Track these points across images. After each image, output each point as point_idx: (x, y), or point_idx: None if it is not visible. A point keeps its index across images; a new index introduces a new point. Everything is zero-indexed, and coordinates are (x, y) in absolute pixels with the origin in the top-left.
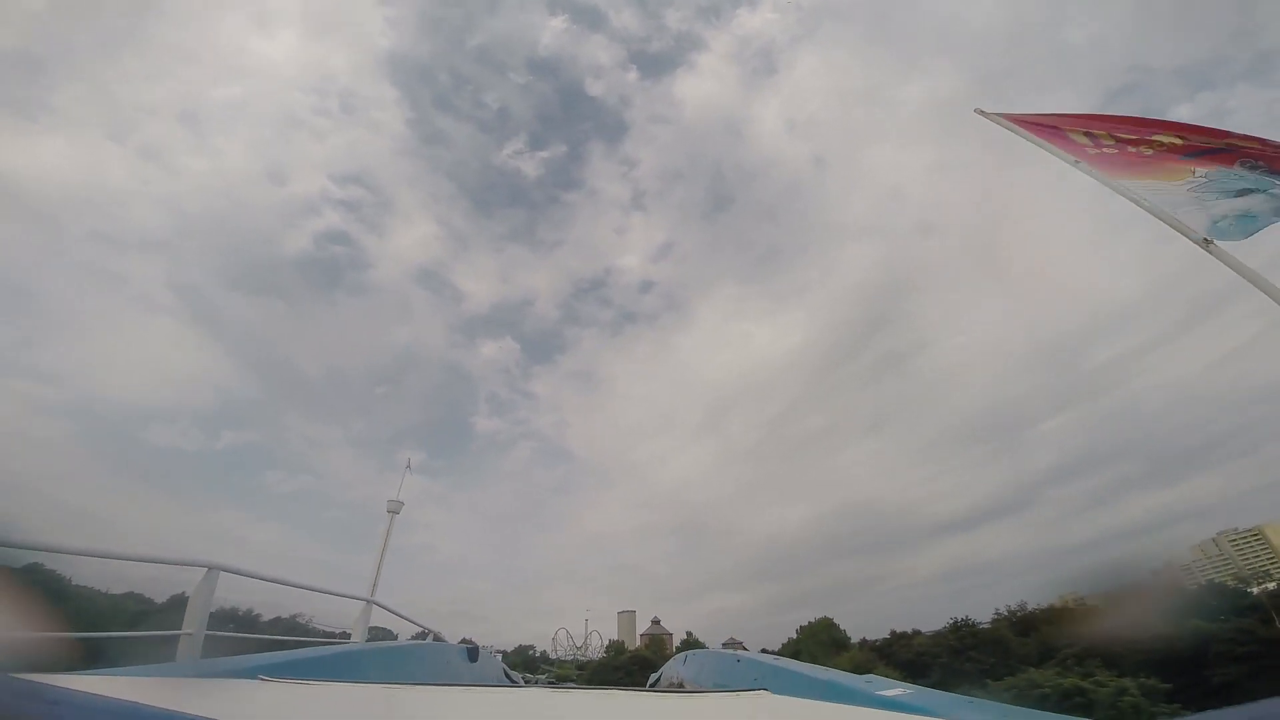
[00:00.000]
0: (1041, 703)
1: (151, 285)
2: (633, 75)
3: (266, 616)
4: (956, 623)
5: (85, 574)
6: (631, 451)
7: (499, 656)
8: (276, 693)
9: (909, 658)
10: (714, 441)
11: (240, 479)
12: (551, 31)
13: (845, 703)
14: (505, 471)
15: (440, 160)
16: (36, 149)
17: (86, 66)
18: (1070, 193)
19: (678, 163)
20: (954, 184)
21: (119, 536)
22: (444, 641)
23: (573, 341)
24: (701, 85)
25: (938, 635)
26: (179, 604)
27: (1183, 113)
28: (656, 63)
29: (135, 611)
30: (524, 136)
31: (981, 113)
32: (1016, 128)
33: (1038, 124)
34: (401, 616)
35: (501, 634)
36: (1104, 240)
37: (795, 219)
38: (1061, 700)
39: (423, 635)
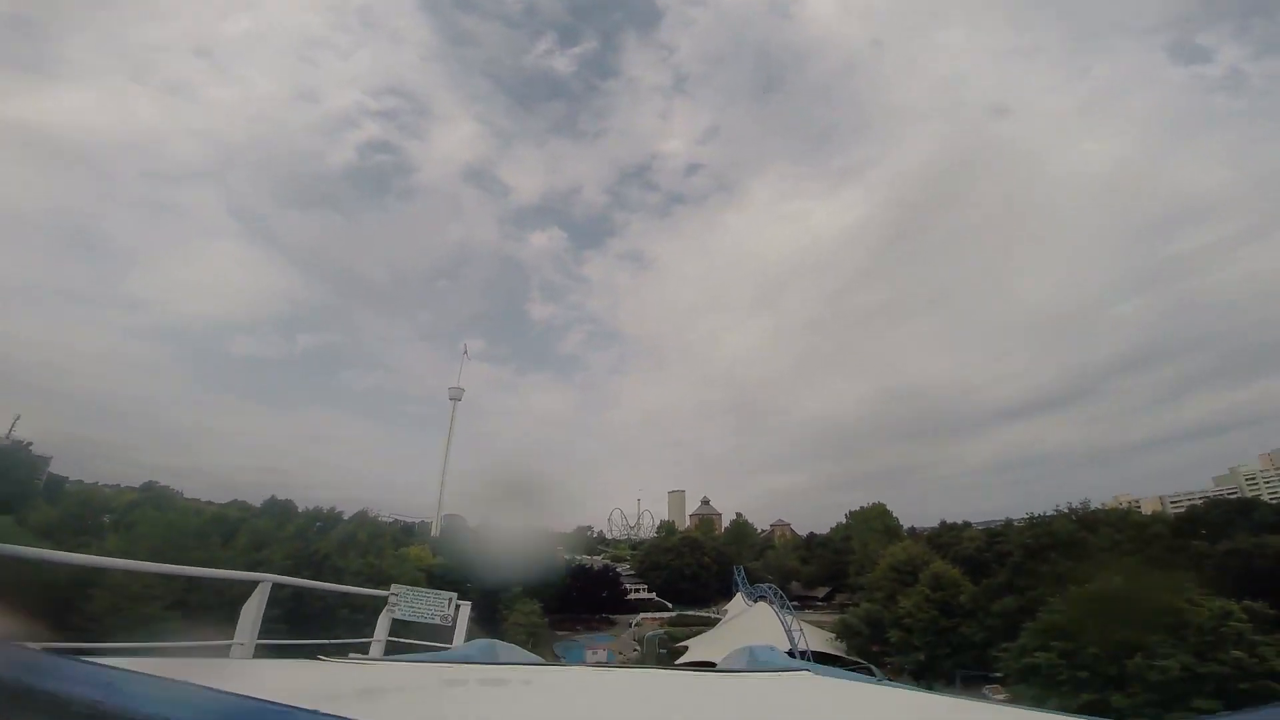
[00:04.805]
0: (1127, 619)
1: (209, 212)
2: None
3: (348, 513)
4: (1033, 518)
5: (192, 488)
6: (685, 330)
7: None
8: (331, 671)
9: (968, 553)
10: (769, 318)
11: (320, 380)
12: None
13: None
14: (562, 355)
15: (472, 60)
16: (64, 101)
17: (84, 16)
18: (1156, 84)
19: (720, 46)
20: (1028, 68)
21: (226, 448)
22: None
23: (621, 225)
24: None
25: (995, 530)
26: (273, 506)
27: None
28: None
29: (236, 518)
30: (555, 29)
31: None
32: None
33: None
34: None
35: (561, 515)
36: (1194, 132)
37: (851, 100)
38: (1150, 618)
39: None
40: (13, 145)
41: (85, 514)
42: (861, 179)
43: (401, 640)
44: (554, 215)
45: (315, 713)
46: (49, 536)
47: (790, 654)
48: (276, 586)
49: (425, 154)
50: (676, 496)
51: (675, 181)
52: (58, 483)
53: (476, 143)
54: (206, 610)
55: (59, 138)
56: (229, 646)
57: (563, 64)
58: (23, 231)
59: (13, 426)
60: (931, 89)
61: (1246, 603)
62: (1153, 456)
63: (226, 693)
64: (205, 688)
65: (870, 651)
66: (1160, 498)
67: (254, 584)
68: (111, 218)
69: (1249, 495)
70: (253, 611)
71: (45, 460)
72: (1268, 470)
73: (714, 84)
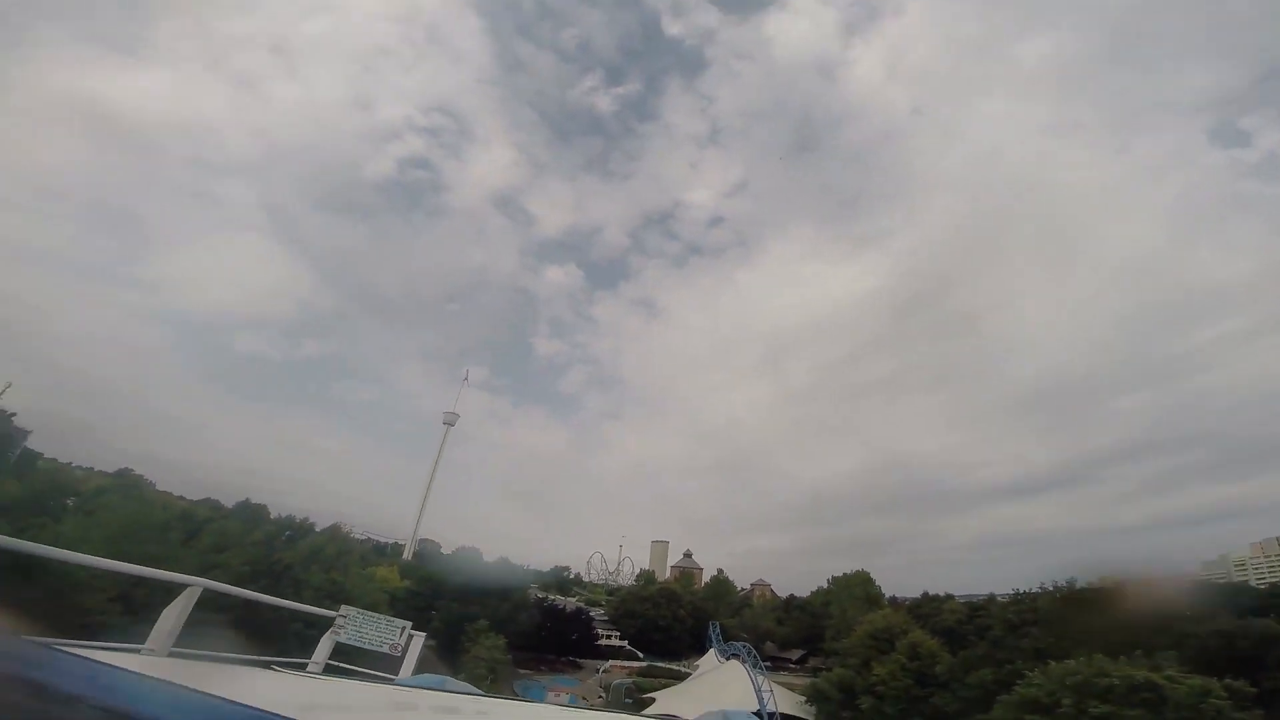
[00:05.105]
0: (1105, 694)
1: (243, 206)
2: (716, 12)
3: (321, 525)
4: (1018, 594)
5: (167, 481)
6: (684, 383)
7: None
8: (284, 682)
9: (949, 625)
10: (770, 381)
11: (316, 388)
12: None
13: None
14: (561, 393)
15: (523, 89)
16: (137, 81)
17: (182, 2)
18: (1188, 167)
19: (760, 101)
20: (1063, 146)
21: (210, 444)
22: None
23: (636, 270)
24: (794, 25)
25: (977, 604)
26: (244, 509)
27: None
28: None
29: (204, 517)
30: (603, 67)
31: None
32: None
33: None
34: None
35: (540, 553)
36: (1221, 219)
37: (884, 166)
38: (1129, 694)
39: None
40: (75, 116)
41: (49, 494)
42: (880, 247)
43: (342, 665)
44: (573, 252)
45: None
46: (3, 514)
47: (758, 714)
48: (221, 594)
49: (460, 175)
50: (659, 546)
51: (696, 232)
52: (32, 458)
53: (511, 170)
54: (150, 608)
55: (120, 115)
56: (138, 650)
57: (605, 102)
58: (57, 199)
59: (0, 394)
60: (964, 161)
61: (1227, 680)
62: (1140, 540)
63: (228, 701)
64: (209, 695)
65: (841, 718)
66: (1153, 579)
67: (182, 586)
68: (147, 199)
69: (1237, 581)
70: (173, 617)
71: (24, 434)
72: (1258, 558)
73: (749, 138)
